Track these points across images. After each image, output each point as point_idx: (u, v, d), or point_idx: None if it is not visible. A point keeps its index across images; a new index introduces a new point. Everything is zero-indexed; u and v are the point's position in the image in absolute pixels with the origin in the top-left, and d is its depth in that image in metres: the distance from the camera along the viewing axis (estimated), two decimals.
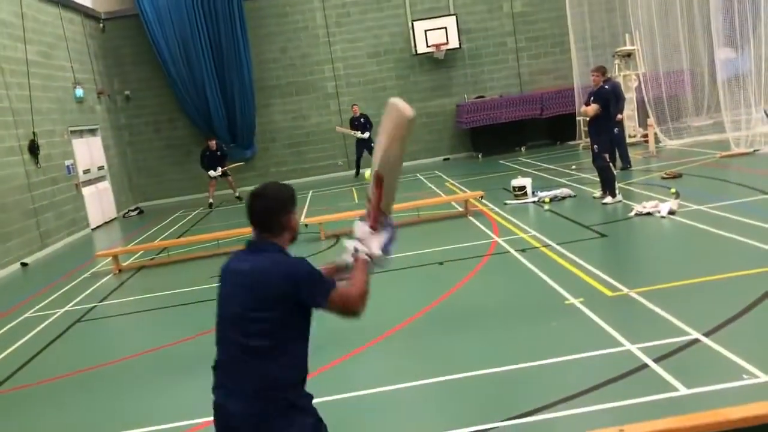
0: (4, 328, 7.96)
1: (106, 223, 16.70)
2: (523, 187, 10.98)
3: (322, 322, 6.49)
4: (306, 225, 11.13)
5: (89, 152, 16.61)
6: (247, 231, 10.06)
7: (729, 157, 12.34)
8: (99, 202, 16.61)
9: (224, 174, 17.01)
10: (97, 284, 9.77)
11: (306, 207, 14.38)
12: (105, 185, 17.32)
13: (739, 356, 4.37)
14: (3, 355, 6.95)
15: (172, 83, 18.95)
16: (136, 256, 11.40)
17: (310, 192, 16.82)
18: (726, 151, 12.71)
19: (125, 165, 19.09)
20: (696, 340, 4.74)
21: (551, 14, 19.36)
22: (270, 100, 19.68)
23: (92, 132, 17.12)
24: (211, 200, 16.93)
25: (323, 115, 19.74)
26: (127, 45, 19.20)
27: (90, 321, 7.93)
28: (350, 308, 2.70)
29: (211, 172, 16.81)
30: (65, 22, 16.23)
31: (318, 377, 5.14)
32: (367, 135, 18.08)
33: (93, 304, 8.62)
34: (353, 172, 18.82)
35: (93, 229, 15.82)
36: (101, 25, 18.78)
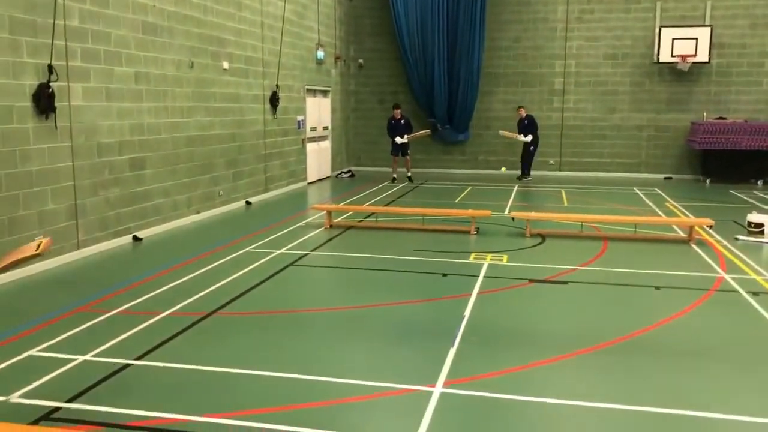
0: (228, 257, 8.76)
1: (320, 179, 17.76)
2: (761, 225, 9.90)
3: (524, 321, 6.35)
4: (513, 218, 10.99)
5: (318, 111, 17.69)
6: (454, 212, 10.25)
7: None
8: (318, 159, 17.69)
9: (405, 152, 17.32)
10: (311, 234, 10.40)
11: (510, 200, 14.19)
12: (326, 144, 18.38)
13: None
14: (226, 281, 7.64)
15: (404, 58, 19.52)
16: (346, 215, 11.97)
17: (516, 185, 16.56)
18: None
19: (346, 129, 20.10)
20: None
21: None
22: (493, 87, 19.57)
23: (324, 93, 18.20)
24: (394, 175, 17.36)
25: (545, 110, 19.25)
26: (369, 15, 20.07)
27: (301, 267, 8.47)
28: None
29: (398, 139, 17.20)
30: None
31: (512, 375, 5.05)
32: (529, 138, 17.54)
33: (305, 252, 9.19)
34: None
35: (309, 183, 16.90)
36: None
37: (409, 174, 17.60)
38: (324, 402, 4.59)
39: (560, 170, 19.08)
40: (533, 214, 11.03)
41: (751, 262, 8.56)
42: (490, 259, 8.74)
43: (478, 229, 10.60)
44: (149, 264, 8.47)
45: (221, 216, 12.12)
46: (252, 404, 4.54)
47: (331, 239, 10.14)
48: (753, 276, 7.91)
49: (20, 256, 4.32)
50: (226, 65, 12.44)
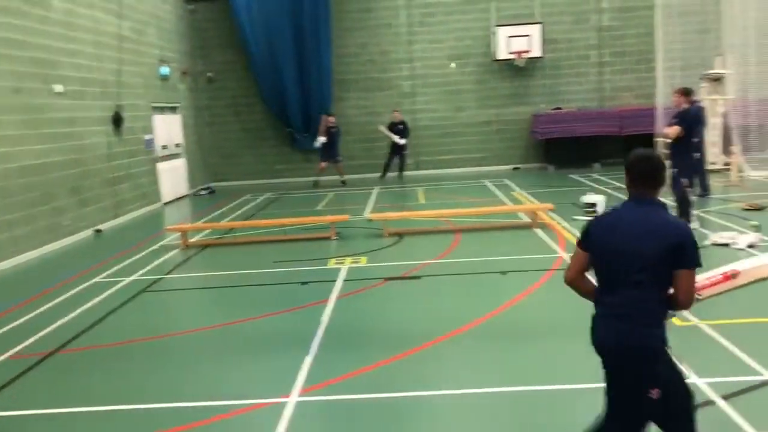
0: (74, 290, 8.29)
1: (177, 199, 17.20)
2: (593, 204, 10.73)
3: (379, 319, 6.53)
4: (370, 220, 11.20)
5: (168, 129, 17.13)
6: (312, 220, 10.20)
7: None
8: (172, 178, 17.12)
9: (335, 159, 18.04)
10: (165, 257, 10.07)
11: (372, 203, 14.45)
12: (180, 162, 17.83)
13: None
14: (71, 316, 7.24)
15: (253, 68, 19.35)
16: (204, 234, 11.69)
17: (376, 188, 16.88)
18: None
19: (201, 144, 19.60)
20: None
21: (639, 30, 18.83)
22: (346, 93, 19.83)
23: (173, 110, 17.65)
24: (316, 179, 18.02)
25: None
26: (213, 27, 19.71)
27: (155, 292, 8.18)
28: (692, 292, 3.08)
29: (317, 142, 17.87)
30: (159, 1, 16.80)
31: (370, 373, 5.17)
32: (404, 141, 18.31)
33: (159, 276, 8.89)
34: (399, 172, 18.83)
35: (165, 204, 16.33)
36: (192, 6, 19.32)
37: (344, 179, 18.08)
38: (178, 428, 4.48)
39: (417, 169, 19.64)
40: (389, 215, 11.31)
41: None
42: (350, 263, 8.87)
43: (338, 233, 10.71)
44: None
45: (67, 247, 11.44)
46: None
47: (187, 260, 9.87)
48: None
49: None
50: (59, 88, 11.76)
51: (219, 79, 19.91)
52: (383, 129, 18.66)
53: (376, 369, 5.25)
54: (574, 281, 3.36)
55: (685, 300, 3.05)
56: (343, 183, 17.97)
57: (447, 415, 4.52)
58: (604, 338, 3.18)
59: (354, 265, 8.76)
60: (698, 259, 3.04)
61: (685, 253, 3.00)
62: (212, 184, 19.44)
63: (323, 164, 18.02)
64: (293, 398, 4.78)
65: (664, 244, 2.99)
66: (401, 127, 18.45)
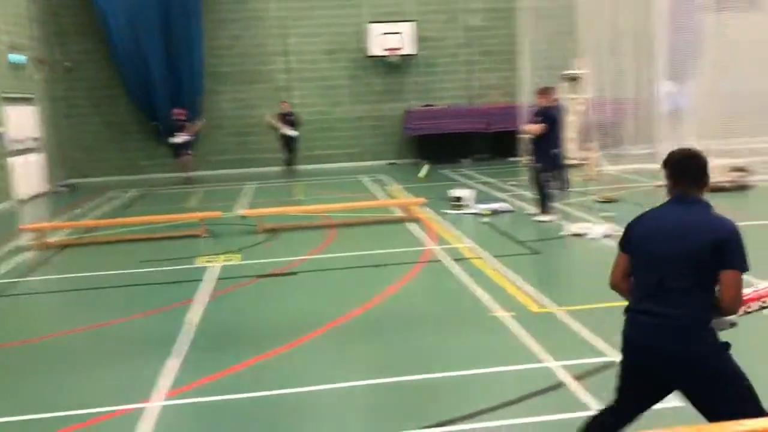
0: None
1: (34, 196, 16.04)
2: (459, 198, 11.12)
3: (252, 318, 6.42)
4: (243, 216, 10.99)
5: (21, 122, 15.91)
6: (177, 217, 9.87)
7: (662, 187, 12.75)
8: (28, 173, 15.94)
9: (186, 150, 17.24)
10: (20, 259, 9.38)
11: (246, 199, 14.18)
12: (36, 157, 16.63)
13: None
14: None
15: (116, 59, 18.38)
16: (65, 233, 10.99)
17: (255, 184, 16.57)
18: (661, 180, 13.12)
19: (60, 138, 18.37)
20: (614, 363, 4.86)
21: (504, 31, 19.63)
22: (219, 86, 19.31)
23: (27, 101, 16.42)
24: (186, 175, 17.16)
25: (272, 107, 19.45)
26: (69, 14, 18.51)
27: (11, 296, 7.61)
28: (738, 295, 2.93)
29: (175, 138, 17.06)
30: None
31: (239, 373, 5.07)
32: (296, 133, 18.11)
33: (15, 279, 8.27)
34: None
35: (20, 202, 15.18)
36: None
37: (188, 176, 17.30)
38: None
39: (295, 164, 19.46)
40: (264, 210, 11.16)
41: (456, 233, 9.57)
42: (223, 261, 8.65)
43: (210, 231, 10.42)
44: None
45: None
46: None
47: (45, 262, 9.24)
48: (456, 245, 8.86)
49: None
50: None
51: (77, 68, 18.74)
52: (271, 120, 18.29)
53: (246, 368, 5.15)
54: (618, 285, 3.23)
55: (729, 304, 2.90)
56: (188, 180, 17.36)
57: (317, 411, 4.52)
58: (639, 337, 3.04)
59: (227, 263, 8.55)
60: (745, 262, 2.89)
61: (729, 252, 2.87)
62: (73, 181, 18.30)
63: (188, 156, 17.47)
64: (155, 402, 4.59)
65: (706, 241, 2.88)
66: (291, 117, 18.15)
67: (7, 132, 14.88)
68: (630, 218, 3.29)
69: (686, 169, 3.09)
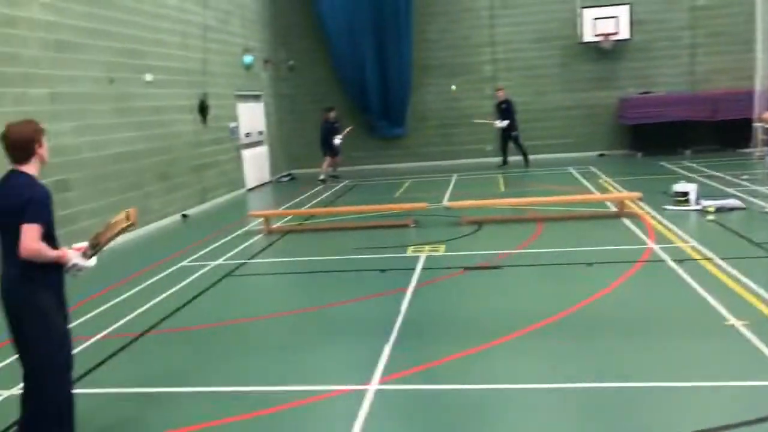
0: (162, 275, 8.57)
1: (260, 185, 17.57)
2: (686, 193, 10.21)
3: (458, 310, 6.41)
4: (448, 208, 11.06)
5: (251, 117, 17.49)
6: (386, 207, 10.23)
7: None
8: (255, 165, 17.50)
9: (338, 152, 17.63)
10: (249, 242, 10.28)
11: (449, 190, 14.29)
12: (262, 149, 18.19)
13: None
14: (158, 299, 7.48)
15: (333, 56, 19.46)
16: (286, 219, 11.87)
17: (455, 176, 16.67)
18: None
19: (282, 132, 19.92)
20: None
21: (737, 9, 17.78)
22: (426, 80, 19.67)
23: (256, 98, 17.99)
24: (322, 176, 17.33)
25: (477, 99, 19.45)
26: (295, 16, 19.92)
27: (239, 276, 8.36)
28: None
29: (336, 140, 17.46)
30: None
31: (441, 366, 5.08)
32: (505, 123, 17.56)
33: (243, 261, 9.08)
34: (500, 159, 18.41)
35: (248, 190, 16.71)
36: None
37: (323, 177, 17.52)
38: (259, 412, 4.54)
39: (496, 156, 19.29)
40: (468, 203, 11.14)
41: (678, 231, 8.82)
42: (428, 251, 8.79)
43: (416, 222, 10.65)
44: (78, 289, 8.21)
45: (155, 232, 11.87)
46: (187, 422, 4.46)
47: (269, 245, 10.04)
48: (679, 244, 8.15)
49: (116, 229, 4.18)
50: (149, 77, 12.17)
51: (300, 67, 20.12)
52: (478, 121, 18.29)
53: (454, 360, 5.16)
54: None
55: None
56: (336, 177, 17.66)
57: (521, 410, 4.38)
58: None
59: (433, 253, 8.67)
60: None
61: None
62: (294, 171, 19.75)
63: (337, 158, 17.83)
64: (373, 386, 4.76)
65: None
66: (504, 106, 17.59)
67: (239, 126, 16.43)
68: None
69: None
